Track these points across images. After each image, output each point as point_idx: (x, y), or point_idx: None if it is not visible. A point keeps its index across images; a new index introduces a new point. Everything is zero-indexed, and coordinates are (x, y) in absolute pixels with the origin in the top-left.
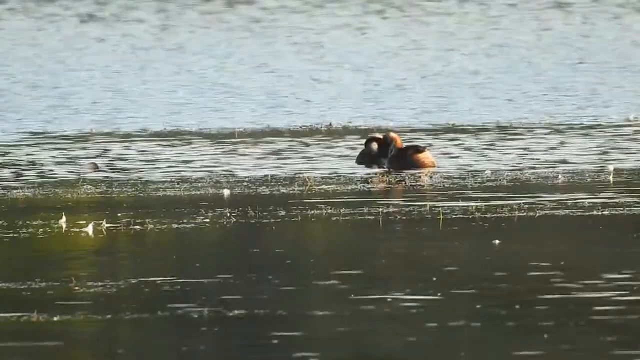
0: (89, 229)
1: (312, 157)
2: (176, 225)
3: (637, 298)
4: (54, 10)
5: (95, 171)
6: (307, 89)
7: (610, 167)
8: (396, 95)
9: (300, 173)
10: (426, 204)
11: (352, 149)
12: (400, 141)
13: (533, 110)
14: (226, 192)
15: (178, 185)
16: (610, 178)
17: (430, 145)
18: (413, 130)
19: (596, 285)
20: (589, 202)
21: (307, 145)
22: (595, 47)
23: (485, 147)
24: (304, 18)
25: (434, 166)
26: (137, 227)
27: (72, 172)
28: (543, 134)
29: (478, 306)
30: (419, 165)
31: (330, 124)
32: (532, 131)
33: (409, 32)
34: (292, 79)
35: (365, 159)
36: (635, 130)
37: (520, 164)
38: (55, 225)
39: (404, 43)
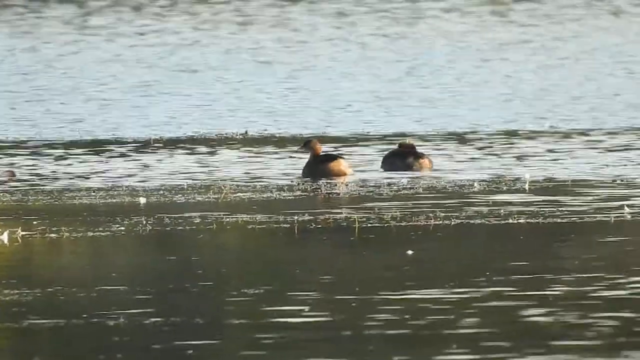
0: (4, 237)
1: (228, 165)
2: (92, 234)
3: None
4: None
5: (11, 179)
6: (228, 97)
7: (527, 176)
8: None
9: (216, 181)
10: (342, 212)
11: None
12: (319, 149)
13: (450, 118)
14: (142, 200)
15: (94, 194)
16: (527, 186)
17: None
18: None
19: (513, 291)
20: (504, 211)
21: (224, 153)
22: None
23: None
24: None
25: (345, 175)
26: (53, 235)
27: None
28: (459, 142)
29: (388, 316)
30: (330, 173)
31: (246, 132)
32: (448, 139)
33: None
34: (221, 84)
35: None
36: (550, 139)
37: (436, 172)
38: None
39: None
